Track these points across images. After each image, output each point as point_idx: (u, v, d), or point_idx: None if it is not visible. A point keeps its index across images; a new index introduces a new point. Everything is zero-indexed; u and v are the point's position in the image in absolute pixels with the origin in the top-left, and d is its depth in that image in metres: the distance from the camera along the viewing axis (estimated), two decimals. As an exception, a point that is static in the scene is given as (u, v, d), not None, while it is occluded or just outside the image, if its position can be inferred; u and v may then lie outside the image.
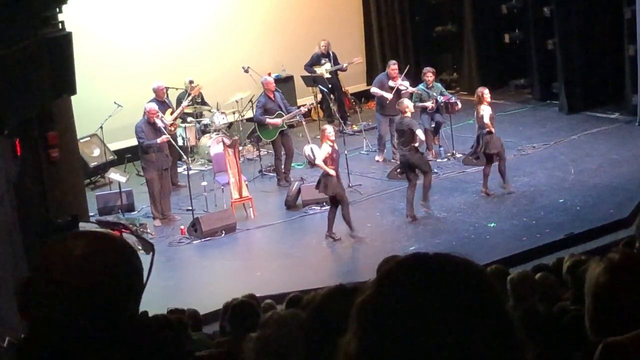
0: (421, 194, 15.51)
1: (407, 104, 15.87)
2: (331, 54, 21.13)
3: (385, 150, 18.81)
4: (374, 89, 19.02)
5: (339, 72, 21.34)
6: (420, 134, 15.40)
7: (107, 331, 2.18)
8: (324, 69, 20.97)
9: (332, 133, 15.20)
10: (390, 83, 18.54)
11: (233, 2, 21.58)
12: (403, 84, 18.43)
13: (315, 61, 21.13)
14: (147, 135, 16.34)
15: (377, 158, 18.88)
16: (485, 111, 16.13)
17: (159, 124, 16.44)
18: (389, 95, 18.36)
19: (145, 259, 2.38)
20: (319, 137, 19.95)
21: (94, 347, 2.18)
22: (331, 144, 14.99)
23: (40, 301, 2.19)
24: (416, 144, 15.38)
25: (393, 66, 18.81)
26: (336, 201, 14.95)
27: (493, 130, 16.14)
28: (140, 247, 2.53)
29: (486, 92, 16.35)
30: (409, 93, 18.23)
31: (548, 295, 7.25)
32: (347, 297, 2.47)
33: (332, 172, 14.84)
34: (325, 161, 14.87)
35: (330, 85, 20.81)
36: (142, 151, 16.61)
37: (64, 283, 2.17)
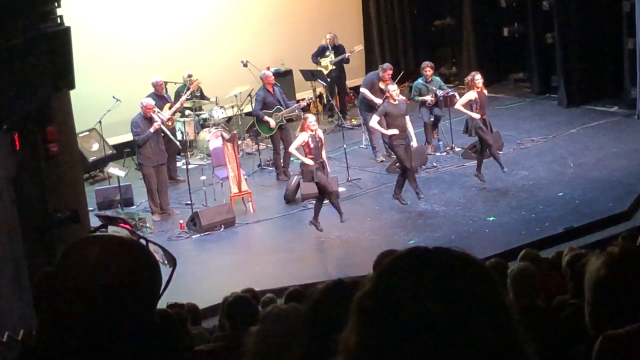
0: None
1: (389, 88, 15.93)
2: (337, 47, 21.14)
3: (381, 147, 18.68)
4: (365, 91, 18.54)
5: (344, 64, 21.32)
6: (372, 120, 15.83)
7: (118, 333, 2.18)
8: (327, 61, 20.99)
9: (314, 122, 15.17)
10: (382, 85, 18.20)
11: (232, -4, 21.59)
12: (396, 91, 18.14)
13: (321, 52, 21.15)
14: (143, 131, 16.34)
15: (381, 159, 18.42)
16: (465, 96, 16.20)
17: (156, 118, 16.44)
18: (379, 101, 18.00)
19: (165, 271, 2.37)
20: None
21: (103, 347, 2.17)
22: (311, 132, 14.93)
23: (55, 299, 2.19)
24: (386, 132, 15.60)
25: (389, 71, 18.19)
26: (321, 190, 15.02)
27: (475, 115, 16.04)
28: (163, 260, 2.51)
29: (477, 78, 16.21)
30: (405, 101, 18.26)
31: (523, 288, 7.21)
32: (346, 291, 2.47)
33: (308, 161, 14.87)
34: (302, 149, 14.95)
35: (329, 80, 20.83)
36: (137, 147, 16.62)
37: (78, 285, 2.17)
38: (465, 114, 16.42)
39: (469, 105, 16.24)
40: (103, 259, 2.19)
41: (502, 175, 16.27)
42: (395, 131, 15.46)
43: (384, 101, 15.97)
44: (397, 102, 15.69)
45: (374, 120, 15.76)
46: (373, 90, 18.36)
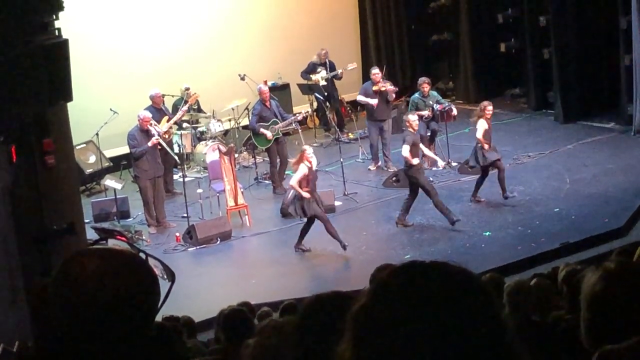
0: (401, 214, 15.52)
1: (409, 118, 15.78)
2: (328, 63, 21.18)
3: (379, 159, 18.81)
4: (360, 97, 19.13)
5: (335, 80, 21.37)
6: (404, 149, 15.31)
7: (115, 346, 2.18)
8: (319, 77, 21.03)
9: (312, 155, 14.93)
10: (374, 88, 18.59)
11: (230, 10, 21.60)
12: (385, 86, 18.47)
13: (312, 69, 21.19)
14: (140, 143, 16.33)
15: (370, 167, 18.90)
16: (480, 126, 16.07)
17: (153, 131, 16.43)
18: (374, 101, 18.58)
19: (163, 285, 2.37)
20: (315, 145, 20.03)
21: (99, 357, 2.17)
22: (309, 165, 14.76)
23: (53, 311, 2.19)
24: (413, 161, 15.29)
25: (374, 71, 19.02)
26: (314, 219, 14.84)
27: (486, 146, 16.05)
28: (163, 275, 2.51)
29: (489, 108, 16.16)
30: (392, 92, 18.36)
31: (542, 300, 7.24)
32: (337, 303, 2.48)
33: (306, 195, 14.67)
34: (300, 182, 14.67)
35: (326, 93, 20.87)
36: (134, 159, 16.61)
37: (76, 297, 2.17)
38: (470, 145, 16.38)
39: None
40: (102, 271, 2.19)
41: (498, 190, 16.25)
42: (418, 160, 15.46)
43: (410, 132, 15.80)
44: (416, 131, 15.71)
45: (406, 150, 15.43)
46: (368, 96, 18.80)
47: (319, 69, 21.16)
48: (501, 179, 16.10)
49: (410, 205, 15.51)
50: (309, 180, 14.73)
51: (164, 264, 2.50)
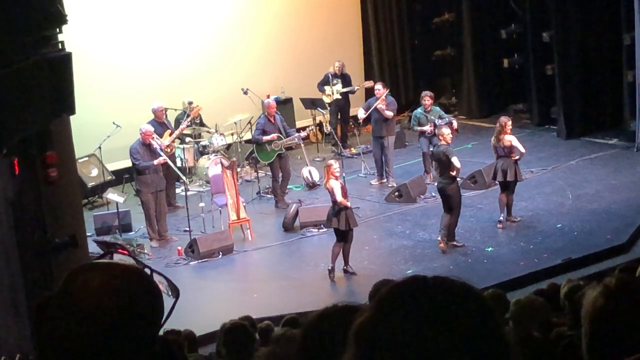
0: (443, 234, 15.10)
1: (444, 132, 15.60)
2: (344, 75, 21.26)
3: (382, 175, 18.80)
4: (360, 110, 19.31)
5: (349, 94, 21.44)
6: (455, 161, 14.96)
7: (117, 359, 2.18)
8: (334, 89, 21.06)
9: (338, 169, 14.76)
10: (375, 104, 18.65)
11: (233, 24, 21.62)
12: (380, 105, 18.50)
13: (327, 80, 21.20)
14: (142, 157, 16.35)
15: (372, 182, 18.92)
16: (514, 139, 15.86)
17: (155, 145, 16.44)
18: (361, 113, 18.85)
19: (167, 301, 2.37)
20: (317, 159, 20.03)
21: None
22: (337, 178, 14.58)
23: (55, 324, 2.19)
24: (453, 173, 15.04)
25: (377, 87, 19.12)
26: (346, 235, 14.54)
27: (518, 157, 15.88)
28: (167, 291, 2.52)
29: (509, 123, 16.04)
30: (384, 110, 18.34)
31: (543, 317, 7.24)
32: (342, 317, 2.47)
33: (349, 204, 14.54)
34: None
35: (333, 107, 20.97)
36: (137, 173, 16.63)
37: (79, 310, 2.17)
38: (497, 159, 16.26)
39: (501, 149, 15.97)
40: (106, 286, 2.19)
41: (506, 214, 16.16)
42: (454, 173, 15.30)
43: (439, 142, 15.62)
44: (448, 144, 15.41)
45: (457, 161, 15.11)
46: (368, 110, 18.92)
47: (334, 81, 21.18)
48: (510, 202, 16.00)
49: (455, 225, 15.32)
50: (345, 192, 14.64)
51: (168, 280, 2.50)
